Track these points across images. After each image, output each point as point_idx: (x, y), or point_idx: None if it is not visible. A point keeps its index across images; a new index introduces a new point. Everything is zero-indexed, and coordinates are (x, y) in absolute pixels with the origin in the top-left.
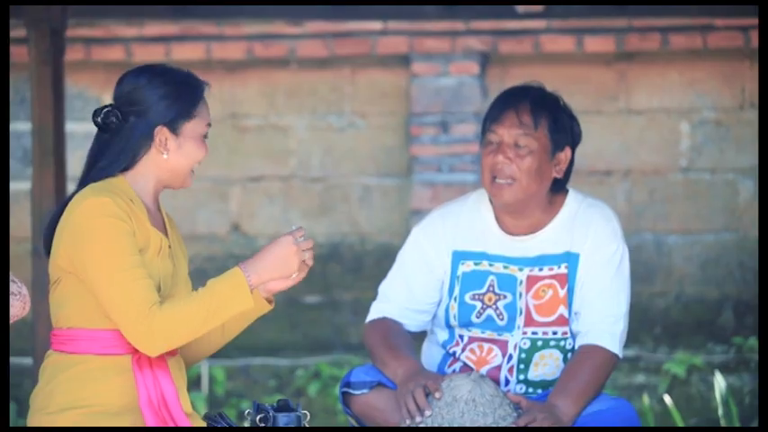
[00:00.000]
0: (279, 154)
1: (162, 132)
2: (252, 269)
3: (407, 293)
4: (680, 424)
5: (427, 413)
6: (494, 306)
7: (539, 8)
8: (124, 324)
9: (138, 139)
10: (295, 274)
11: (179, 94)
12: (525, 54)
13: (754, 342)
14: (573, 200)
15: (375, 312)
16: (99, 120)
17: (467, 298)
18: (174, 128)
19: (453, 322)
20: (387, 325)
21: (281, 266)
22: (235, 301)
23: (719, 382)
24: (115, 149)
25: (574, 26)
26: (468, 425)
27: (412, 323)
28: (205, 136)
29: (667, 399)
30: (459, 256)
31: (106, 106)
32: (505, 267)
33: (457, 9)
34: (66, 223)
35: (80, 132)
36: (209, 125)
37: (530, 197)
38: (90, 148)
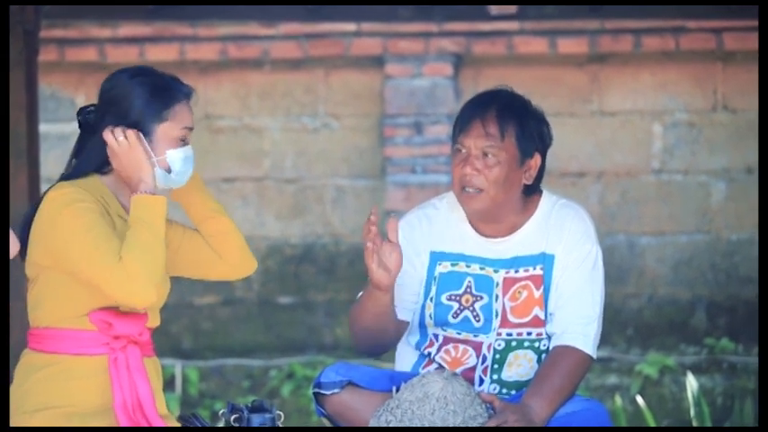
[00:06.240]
0: (252, 155)
1: (135, 134)
2: (138, 188)
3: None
4: (652, 425)
5: (373, 229)
6: (470, 307)
7: (512, 10)
8: (112, 292)
9: None
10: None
11: (154, 96)
12: (498, 56)
13: (725, 343)
14: (547, 201)
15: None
16: (80, 118)
17: (443, 299)
18: (146, 130)
19: (428, 322)
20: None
21: (135, 164)
22: (156, 212)
23: (692, 382)
24: (90, 148)
25: (547, 28)
26: (438, 422)
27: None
28: (183, 140)
29: (640, 400)
30: (436, 257)
31: (90, 105)
32: (482, 269)
33: (430, 11)
34: (36, 220)
35: (54, 133)
36: (188, 129)
37: (499, 205)
38: (73, 147)
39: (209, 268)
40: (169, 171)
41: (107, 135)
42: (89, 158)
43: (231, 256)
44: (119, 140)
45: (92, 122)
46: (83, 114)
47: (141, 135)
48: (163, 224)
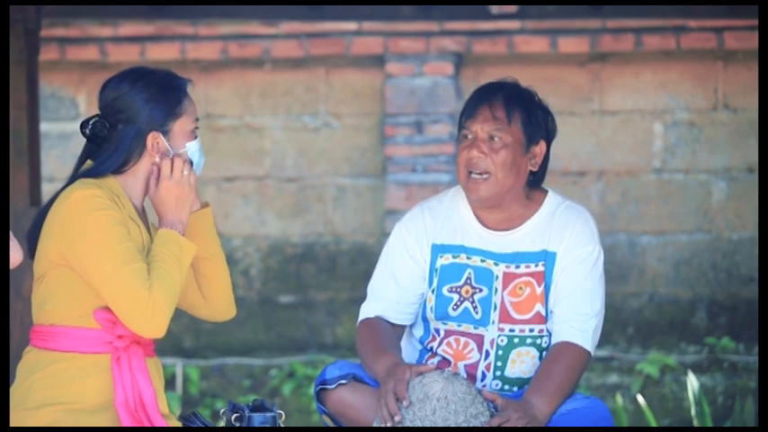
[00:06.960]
0: (253, 154)
1: (154, 137)
2: (173, 226)
3: (395, 287)
4: (653, 424)
5: (397, 419)
6: (470, 299)
7: (513, 9)
8: (128, 314)
9: (130, 144)
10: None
11: (163, 95)
12: (499, 55)
13: (726, 342)
14: (552, 200)
15: (363, 313)
16: (87, 131)
17: (444, 290)
18: (164, 130)
19: (430, 315)
20: (370, 325)
21: (181, 202)
22: (188, 255)
23: (692, 382)
24: (105, 154)
25: (548, 27)
26: (439, 422)
27: (401, 317)
28: (194, 132)
29: (640, 399)
30: (438, 249)
31: (93, 117)
32: (482, 261)
33: (431, 10)
34: (56, 216)
35: (54, 132)
36: (197, 120)
37: (506, 191)
38: (79, 155)
39: (190, 304)
40: (191, 164)
41: (166, 163)
42: (109, 161)
43: (214, 300)
44: (183, 174)
45: (102, 134)
46: (88, 127)
47: (161, 136)
48: (187, 267)
